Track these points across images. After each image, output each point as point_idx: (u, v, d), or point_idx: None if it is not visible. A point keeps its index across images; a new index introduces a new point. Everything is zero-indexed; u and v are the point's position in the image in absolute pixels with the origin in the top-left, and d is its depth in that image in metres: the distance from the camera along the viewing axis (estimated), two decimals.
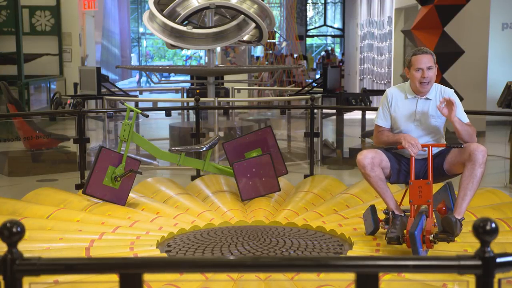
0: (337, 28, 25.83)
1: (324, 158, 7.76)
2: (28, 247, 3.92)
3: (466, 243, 3.96)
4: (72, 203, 5.03)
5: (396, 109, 4.09)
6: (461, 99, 9.00)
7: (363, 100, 8.15)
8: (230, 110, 9.02)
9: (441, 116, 3.94)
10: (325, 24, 25.89)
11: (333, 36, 26.79)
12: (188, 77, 14.23)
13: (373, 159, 3.90)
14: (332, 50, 24.61)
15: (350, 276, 1.68)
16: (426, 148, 3.88)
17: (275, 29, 16.49)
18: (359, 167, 3.94)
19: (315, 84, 9.54)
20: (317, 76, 18.83)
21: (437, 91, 4.05)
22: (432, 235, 3.66)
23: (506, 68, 11.48)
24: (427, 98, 4.03)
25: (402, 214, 3.96)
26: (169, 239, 4.38)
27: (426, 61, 3.92)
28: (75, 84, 10.14)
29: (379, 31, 14.68)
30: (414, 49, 4.08)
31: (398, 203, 4.08)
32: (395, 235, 3.79)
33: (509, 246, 3.89)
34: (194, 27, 7.70)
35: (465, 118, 3.98)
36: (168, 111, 6.87)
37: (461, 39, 9.54)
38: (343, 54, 22.63)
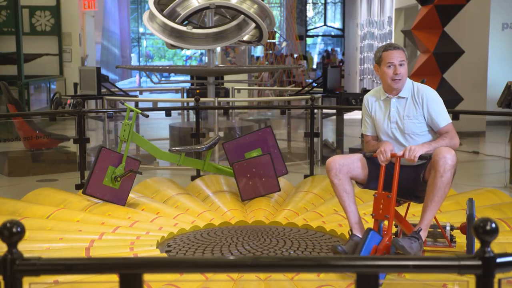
0: (337, 28, 25.83)
1: (324, 158, 7.75)
2: (28, 247, 3.92)
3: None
4: (72, 203, 5.03)
5: (375, 113, 3.84)
6: (461, 99, 9.06)
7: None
8: (230, 110, 9.02)
9: (418, 117, 3.66)
10: (325, 24, 25.89)
11: (333, 36, 26.79)
12: (188, 77, 14.24)
13: (341, 167, 3.69)
14: (333, 50, 24.60)
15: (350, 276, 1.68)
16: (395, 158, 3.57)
17: (275, 29, 16.49)
18: (326, 170, 3.76)
19: (315, 84, 9.54)
20: (318, 74, 18.85)
21: (411, 89, 3.76)
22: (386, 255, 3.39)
23: (506, 68, 11.48)
24: (400, 97, 3.74)
25: (358, 235, 3.66)
26: (169, 239, 4.38)
27: (398, 56, 3.67)
28: (75, 84, 10.14)
29: (379, 31, 14.68)
30: (383, 45, 3.81)
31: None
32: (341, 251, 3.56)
33: (509, 246, 3.89)
34: (194, 27, 7.70)
35: (443, 121, 3.66)
36: (168, 111, 6.87)
37: (461, 39, 9.54)
38: (343, 54, 22.63)
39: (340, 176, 3.69)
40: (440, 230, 3.85)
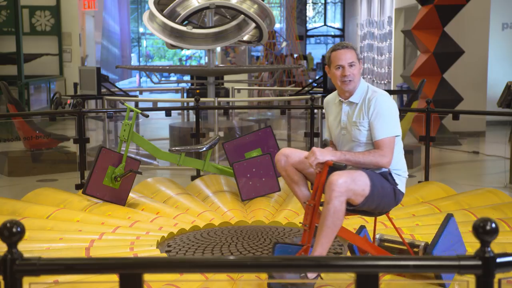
0: (337, 28, 25.83)
1: None
2: (28, 247, 3.92)
3: (466, 243, 3.96)
4: (72, 203, 5.03)
5: (329, 117, 3.61)
6: (461, 99, 9.06)
7: None
8: (230, 110, 9.02)
9: (364, 123, 3.37)
10: (325, 24, 25.89)
11: (333, 36, 26.80)
12: (188, 77, 14.23)
13: (287, 158, 3.45)
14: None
15: (350, 276, 1.68)
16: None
17: (275, 29, 16.50)
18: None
19: (315, 84, 9.54)
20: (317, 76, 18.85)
21: (365, 94, 3.43)
22: None
23: (506, 68, 11.48)
24: (350, 102, 3.44)
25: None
26: (169, 239, 4.38)
27: (347, 56, 3.38)
28: (75, 84, 10.14)
29: (379, 31, 14.68)
30: (334, 44, 3.55)
31: None
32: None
33: (509, 246, 3.89)
34: (194, 27, 7.70)
35: (381, 133, 3.32)
36: (168, 111, 6.87)
37: (461, 39, 9.54)
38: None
39: (286, 168, 3.46)
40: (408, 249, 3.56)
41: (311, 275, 3.20)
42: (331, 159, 3.24)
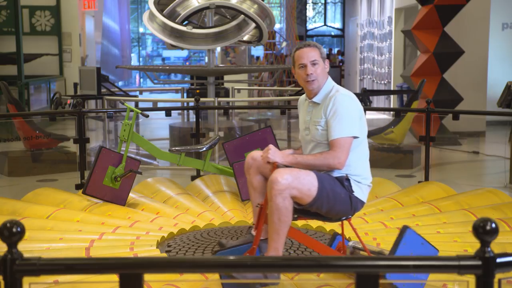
0: (337, 28, 25.84)
1: None
2: (28, 247, 3.92)
3: (466, 243, 3.96)
4: (72, 203, 5.03)
5: (299, 117, 3.59)
6: (461, 99, 9.06)
7: (363, 100, 8.15)
8: (230, 110, 9.02)
9: (321, 123, 3.31)
10: (325, 24, 25.90)
11: (333, 36, 26.80)
12: (188, 77, 14.24)
13: (253, 161, 3.44)
14: (330, 50, 24.60)
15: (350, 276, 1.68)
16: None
17: (275, 29, 16.50)
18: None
19: None
20: None
21: (328, 94, 3.36)
22: None
23: (506, 68, 11.48)
24: (314, 102, 3.39)
25: (253, 233, 3.38)
26: (169, 239, 4.38)
27: (310, 55, 3.32)
28: (75, 84, 10.14)
29: (379, 31, 14.68)
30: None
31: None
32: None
33: (509, 246, 3.89)
34: (194, 27, 7.70)
35: (336, 132, 3.23)
36: (168, 111, 6.87)
37: (461, 39, 9.54)
38: (342, 54, 22.63)
39: (250, 171, 3.43)
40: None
41: (271, 275, 3.17)
42: (280, 161, 3.23)
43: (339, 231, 4.41)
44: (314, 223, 4.62)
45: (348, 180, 3.28)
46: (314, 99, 3.38)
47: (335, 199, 3.20)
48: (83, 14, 14.33)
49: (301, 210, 3.24)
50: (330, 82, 3.41)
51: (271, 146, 3.29)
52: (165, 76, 23.29)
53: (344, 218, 3.36)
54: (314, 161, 3.22)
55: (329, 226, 4.54)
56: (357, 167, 3.31)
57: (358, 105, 3.34)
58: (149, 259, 2.08)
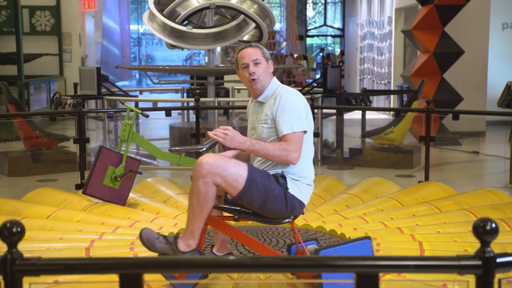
0: (337, 28, 25.83)
1: (324, 158, 7.76)
2: (28, 247, 3.92)
3: (466, 243, 3.96)
4: (72, 203, 5.03)
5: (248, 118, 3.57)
6: (461, 99, 9.06)
7: (363, 100, 8.15)
8: (230, 110, 9.02)
9: (268, 120, 3.27)
10: (325, 24, 25.90)
11: (333, 36, 26.80)
12: (188, 77, 14.22)
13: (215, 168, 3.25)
14: (322, 49, 24.59)
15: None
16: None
17: (275, 29, 16.50)
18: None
19: (315, 84, 9.54)
20: (317, 76, 18.86)
21: (273, 93, 3.34)
22: None
23: (506, 68, 11.48)
24: (259, 101, 3.37)
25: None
26: None
27: (252, 55, 3.31)
28: (75, 84, 10.14)
29: (379, 31, 14.68)
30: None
31: None
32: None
33: (509, 246, 3.89)
34: (194, 27, 7.70)
35: (285, 128, 3.19)
36: (168, 111, 6.87)
37: (461, 39, 9.54)
38: (343, 54, 22.63)
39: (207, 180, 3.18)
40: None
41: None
42: (237, 146, 3.17)
43: (339, 231, 4.42)
44: (314, 223, 4.62)
45: (284, 177, 3.23)
46: (259, 99, 3.36)
47: (267, 195, 3.15)
48: (83, 14, 14.33)
49: (235, 203, 3.21)
50: (275, 82, 3.39)
51: (230, 130, 3.20)
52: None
53: (287, 220, 3.29)
54: (272, 151, 3.17)
55: (328, 226, 4.55)
56: (298, 165, 3.25)
57: (304, 102, 3.32)
58: (149, 259, 2.08)
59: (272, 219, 3.29)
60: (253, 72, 3.29)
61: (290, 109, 3.20)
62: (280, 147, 3.16)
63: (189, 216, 3.16)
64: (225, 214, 3.39)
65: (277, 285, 3.37)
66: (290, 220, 3.32)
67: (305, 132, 3.23)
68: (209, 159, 3.08)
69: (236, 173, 3.10)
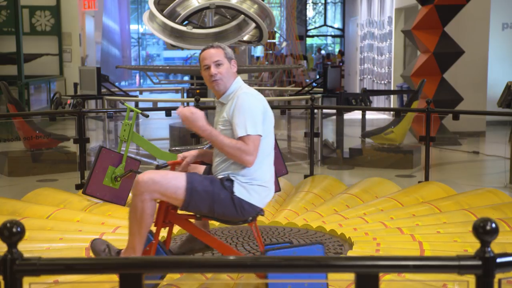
0: (337, 28, 25.84)
1: (324, 158, 7.76)
2: (28, 247, 3.92)
3: (466, 243, 3.96)
4: (72, 203, 5.03)
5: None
6: (461, 99, 9.06)
7: (363, 100, 8.15)
8: None
9: (225, 123, 3.26)
10: (325, 24, 25.90)
11: (333, 36, 26.80)
12: (188, 77, 14.23)
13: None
14: (319, 49, 24.58)
15: (350, 276, 1.68)
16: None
17: (275, 29, 16.50)
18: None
19: (315, 84, 9.54)
20: (318, 76, 18.85)
21: (233, 95, 3.30)
22: None
23: (506, 68, 11.48)
24: (220, 102, 3.36)
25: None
26: None
27: (213, 56, 3.29)
28: (75, 84, 10.14)
29: (379, 31, 14.68)
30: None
31: None
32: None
33: (509, 246, 3.89)
34: (194, 27, 7.70)
35: (241, 130, 3.15)
36: (168, 111, 6.87)
37: (461, 39, 9.54)
38: (343, 54, 22.63)
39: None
40: None
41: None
42: (196, 131, 3.18)
43: (339, 231, 4.42)
44: (314, 223, 4.62)
45: (230, 180, 3.21)
46: (221, 99, 3.34)
47: (213, 200, 3.15)
48: (83, 14, 14.33)
49: (185, 210, 3.23)
50: (238, 82, 3.36)
51: (197, 111, 3.21)
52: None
53: (237, 220, 3.27)
54: (228, 147, 3.15)
55: (328, 226, 4.55)
56: (249, 168, 3.21)
57: (262, 104, 3.26)
58: (149, 259, 2.08)
59: (229, 221, 3.31)
60: (214, 74, 3.27)
61: (246, 112, 3.17)
62: (237, 145, 3.13)
63: (130, 233, 3.19)
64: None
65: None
66: (249, 222, 3.30)
67: (260, 135, 3.18)
68: (144, 177, 3.11)
69: (174, 186, 3.11)
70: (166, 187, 3.10)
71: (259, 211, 3.31)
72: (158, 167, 3.48)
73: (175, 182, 3.12)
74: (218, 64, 3.29)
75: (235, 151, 3.14)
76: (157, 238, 3.27)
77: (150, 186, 3.09)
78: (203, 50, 3.35)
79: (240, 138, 3.15)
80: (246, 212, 3.23)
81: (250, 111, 3.17)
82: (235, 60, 3.41)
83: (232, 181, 3.20)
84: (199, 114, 3.20)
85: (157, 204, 3.22)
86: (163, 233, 3.42)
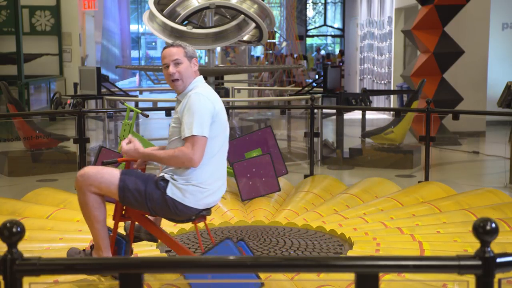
0: (337, 28, 25.83)
1: (324, 158, 7.76)
2: (28, 247, 3.92)
3: (466, 243, 3.96)
4: (72, 203, 5.03)
5: None
6: (461, 99, 9.06)
7: (363, 100, 8.15)
8: (230, 110, 9.01)
9: (176, 121, 3.30)
10: (325, 24, 25.90)
11: (333, 36, 26.80)
12: None
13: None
14: (341, 50, 24.60)
15: (350, 276, 1.68)
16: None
17: (275, 29, 16.50)
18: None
19: (315, 84, 9.54)
20: (316, 76, 18.85)
21: (188, 93, 3.33)
22: None
23: (506, 68, 11.48)
24: (178, 100, 3.38)
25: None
26: None
27: (172, 55, 3.31)
28: (75, 84, 10.14)
29: (379, 31, 14.68)
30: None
31: None
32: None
33: (509, 246, 3.89)
34: (194, 27, 7.70)
35: (186, 131, 3.17)
36: (168, 111, 6.86)
37: (461, 39, 9.54)
38: (343, 54, 22.63)
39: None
40: None
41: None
42: (135, 156, 3.31)
43: (339, 231, 4.42)
44: (314, 223, 4.63)
45: (165, 180, 3.23)
46: (179, 97, 3.38)
47: (146, 199, 3.20)
48: (83, 14, 14.32)
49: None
50: (196, 81, 3.37)
51: (132, 140, 3.32)
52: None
53: (177, 217, 3.30)
54: (164, 159, 3.23)
55: (328, 226, 4.55)
56: (185, 168, 3.21)
57: (213, 106, 3.25)
58: (149, 259, 2.08)
59: (173, 219, 3.37)
60: (173, 73, 3.30)
61: (193, 112, 3.18)
62: (174, 154, 3.18)
63: (89, 229, 3.33)
64: None
65: (277, 285, 3.36)
66: (192, 220, 3.34)
67: (205, 137, 3.18)
68: (81, 172, 3.24)
69: (108, 181, 3.21)
70: (100, 181, 3.21)
71: (201, 212, 3.30)
72: (104, 163, 3.51)
73: (109, 177, 3.22)
74: (177, 63, 3.32)
75: (173, 160, 3.18)
76: (114, 231, 3.35)
77: (85, 181, 3.20)
78: (164, 48, 3.39)
79: (185, 139, 3.17)
80: (181, 212, 3.24)
81: (198, 112, 3.18)
82: (197, 58, 3.44)
83: (167, 181, 3.23)
84: (134, 144, 3.30)
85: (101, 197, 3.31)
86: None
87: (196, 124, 3.15)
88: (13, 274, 1.62)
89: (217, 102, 3.31)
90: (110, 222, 3.43)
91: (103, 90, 8.32)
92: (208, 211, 3.36)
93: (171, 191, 3.20)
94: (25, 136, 7.35)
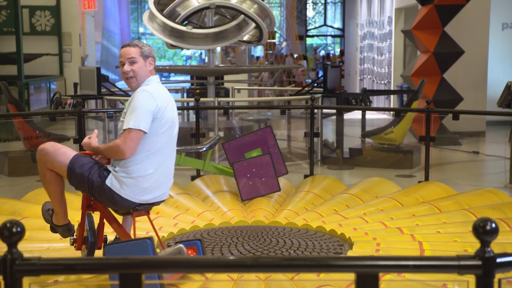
0: (337, 28, 25.83)
1: (324, 158, 7.76)
2: (28, 247, 3.92)
3: (466, 243, 3.96)
4: (72, 203, 5.01)
5: None
6: (461, 99, 9.06)
7: (363, 100, 8.15)
8: (230, 110, 9.01)
9: (123, 116, 3.39)
10: (325, 24, 25.90)
11: (333, 36, 26.79)
12: (188, 77, 14.23)
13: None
14: (342, 50, 24.58)
15: (350, 276, 1.68)
16: None
17: (275, 29, 16.50)
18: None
19: (315, 84, 9.54)
20: (310, 74, 18.85)
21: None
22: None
23: (506, 68, 11.48)
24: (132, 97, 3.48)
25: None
26: (169, 239, 4.38)
27: (128, 53, 3.39)
28: (75, 84, 10.14)
29: (379, 31, 14.68)
30: None
31: None
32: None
33: (509, 246, 3.89)
34: (194, 27, 7.70)
35: (126, 124, 3.27)
36: None
37: (461, 39, 9.54)
38: (343, 54, 22.63)
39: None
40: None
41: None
42: (87, 149, 3.46)
43: (339, 231, 4.42)
44: (314, 223, 4.63)
45: (107, 170, 3.35)
46: (132, 94, 3.47)
47: (88, 186, 3.32)
48: (83, 14, 14.32)
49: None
50: (150, 80, 3.44)
51: (92, 135, 3.46)
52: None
53: (118, 207, 3.40)
54: (104, 151, 3.37)
55: (329, 226, 4.55)
56: (129, 161, 3.29)
57: (156, 103, 3.31)
58: (149, 259, 2.08)
59: (115, 210, 3.51)
60: (128, 71, 3.40)
61: (135, 107, 3.27)
62: (108, 146, 3.33)
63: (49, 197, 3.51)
64: None
65: (277, 285, 3.36)
66: (131, 213, 3.45)
67: (142, 131, 3.24)
68: (41, 147, 3.40)
69: (59, 161, 3.35)
70: (54, 159, 3.35)
71: (137, 207, 3.38)
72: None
73: (62, 158, 3.36)
74: (132, 62, 3.40)
75: (108, 151, 3.33)
76: (82, 221, 3.46)
77: (43, 156, 3.38)
78: (122, 47, 3.49)
79: (123, 131, 3.28)
80: (118, 203, 3.35)
81: (138, 107, 3.27)
82: (154, 58, 3.49)
83: (109, 171, 3.34)
84: (91, 139, 3.45)
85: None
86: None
87: (134, 118, 3.24)
88: (13, 274, 1.62)
89: (162, 100, 3.36)
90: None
91: (103, 90, 8.32)
92: (146, 206, 3.42)
93: (110, 181, 3.30)
94: (25, 136, 7.35)
